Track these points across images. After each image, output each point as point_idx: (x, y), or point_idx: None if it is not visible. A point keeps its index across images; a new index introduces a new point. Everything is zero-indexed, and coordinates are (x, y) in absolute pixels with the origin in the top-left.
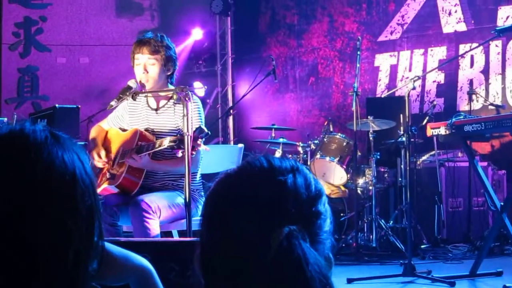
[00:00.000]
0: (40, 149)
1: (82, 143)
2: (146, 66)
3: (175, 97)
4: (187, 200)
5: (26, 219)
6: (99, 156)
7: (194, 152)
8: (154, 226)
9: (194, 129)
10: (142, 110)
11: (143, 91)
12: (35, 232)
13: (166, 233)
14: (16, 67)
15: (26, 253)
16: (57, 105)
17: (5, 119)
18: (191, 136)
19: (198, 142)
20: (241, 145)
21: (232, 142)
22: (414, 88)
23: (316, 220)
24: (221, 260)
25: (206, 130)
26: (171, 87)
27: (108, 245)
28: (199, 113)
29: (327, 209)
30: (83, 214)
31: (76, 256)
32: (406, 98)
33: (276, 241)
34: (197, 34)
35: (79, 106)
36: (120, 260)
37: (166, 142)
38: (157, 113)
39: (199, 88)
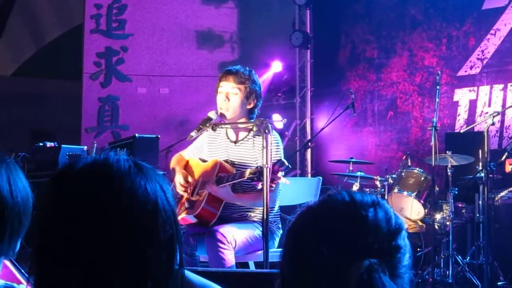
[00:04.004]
0: (123, 178)
1: (161, 172)
2: (228, 94)
3: (254, 129)
4: (265, 231)
5: (106, 247)
6: (185, 181)
7: (273, 185)
8: (229, 257)
9: (273, 161)
10: (222, 141)
11: (223, 122)
12: (114, 259)
13: (242, 264)
14: (97, 97)
15: (104, 280)
16: (137, 135)
17: (85, 147)
18: (270, 169)
19: (279, 175)
20: (319, 178)
21: (309, 175)
22: (493, 124)
23: (395, 254)
24: None
25: (286, 163)
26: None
27: (188, 274)
28: (278, 146)
29: (407, 243)
30: (164, 243)
31: (154, 284)
32: (485, 134)
33: (356, 274)
34: (276, 66)
35: (159, 136)
36: None
37: (246, 174)
38: (236, 145)
39: (278, 120)
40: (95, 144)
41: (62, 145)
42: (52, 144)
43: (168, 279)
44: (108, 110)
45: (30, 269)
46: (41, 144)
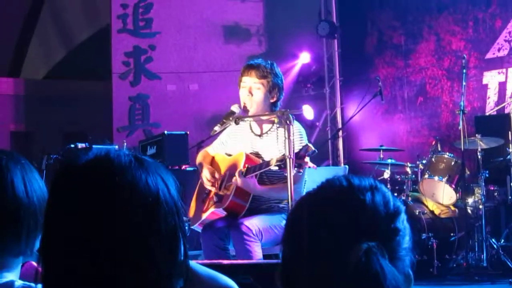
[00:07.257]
0: (124, 172)
1: (191, 169)
2: (251, 89)
3: (276, 121)
4: None
5: (109, 238)
6: (212, 175)
7: (301, 170)
8: (256, 249)
9: (299, 148)
10: (246, 135)
11: (245, 116)
12: (117, 250)
13: (275, 256)
14: (127, 96)
15: (108, 270)
16: (165, 132)
17: (116, 146)
18: (293, 159)
19: (305, 160)
20: (345, 167)
21: (342, 164)
22: None
23: (394, 237)
24: (301, 276)
25: (312, 147)
26: None
27: (195, 265)
28: (301, 135)
29: (406, 226)
30: (166, 234)
31: (158, 274)
32: (511, 116)
33: (355, 257)
34: (304, 57)
35: (188, 132)
36: (206, 280)
37: (273, 162)
38: (261, 138)
39: (308, 111)
40: (125, 143)
41: (93, 146)
42: (84, 145)
43: (172, 270)
44: (139, 108)
45: (38, 263)
46: (72, 145)
